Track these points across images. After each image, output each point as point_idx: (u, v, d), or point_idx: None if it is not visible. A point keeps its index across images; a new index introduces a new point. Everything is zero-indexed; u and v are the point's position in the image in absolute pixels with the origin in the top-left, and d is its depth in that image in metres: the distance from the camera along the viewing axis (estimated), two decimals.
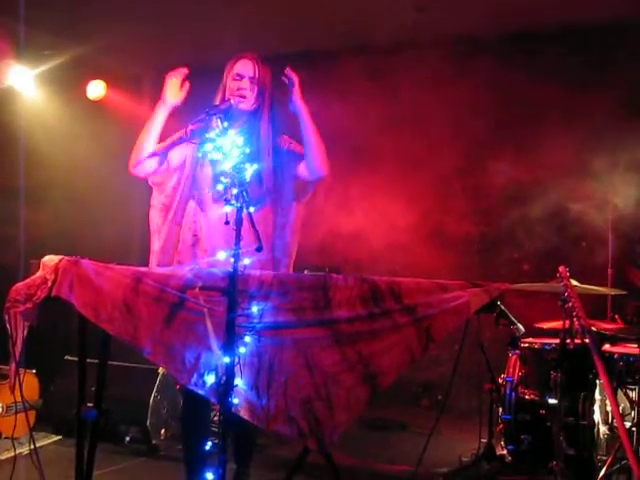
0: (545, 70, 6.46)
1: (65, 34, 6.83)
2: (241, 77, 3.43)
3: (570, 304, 3.53)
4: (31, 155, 7.16)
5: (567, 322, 3.98)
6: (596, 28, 6.32)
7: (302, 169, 3.44)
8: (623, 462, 3.97)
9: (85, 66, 7.45)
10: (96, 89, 7.73)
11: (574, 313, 3.50)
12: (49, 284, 2.82)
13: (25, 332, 2.95)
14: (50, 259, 2.92)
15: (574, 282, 3.83)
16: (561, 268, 3.73)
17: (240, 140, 2.89)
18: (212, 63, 7.44)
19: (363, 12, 6.31)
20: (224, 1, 6.26)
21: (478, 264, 6.83)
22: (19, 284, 2.93)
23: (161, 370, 5.08)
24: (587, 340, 3.90)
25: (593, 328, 3.99)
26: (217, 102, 3.43)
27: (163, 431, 5.12)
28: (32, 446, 3.09)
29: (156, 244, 3.42)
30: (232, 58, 3.52)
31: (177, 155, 3.48)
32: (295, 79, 3.39)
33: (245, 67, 3.44)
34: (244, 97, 3.40)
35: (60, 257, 2.87)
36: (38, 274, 2.93)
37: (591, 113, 6.21)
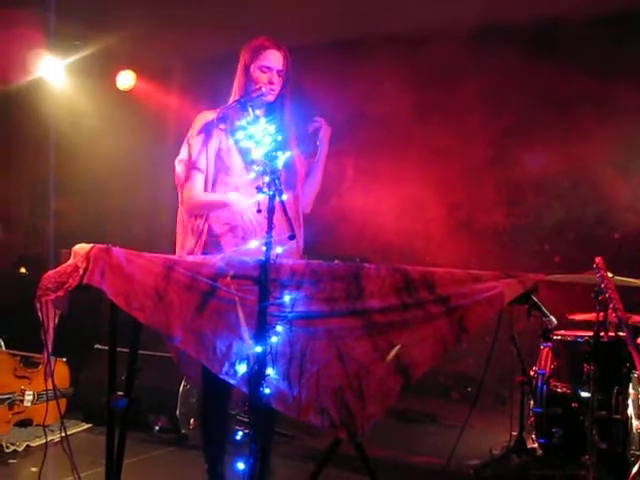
0: (577, 59, 6.36)
1: (95, 24, 6.85)
2: (270, 69, 3.37)
3: (607, 295, 3.47)
4: (60, 146, 7.20)
5: (601, 314, 3.91)
6: (631, 15, 6.20)
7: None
8: None
9: (115, 56, 7.48)
10: (126, 79, 7.77)
11: (611, 305, 3.44)
12: (80, 272, 2.80)
13: (56, 320, 2.96)
14: (81, 247, 2.91)
15: (610, 274, 3.76)
16: (598, 259, 3.66)
17: (272, 128, 2.87)
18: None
19: (390, 1, 6.26)
20: None
21: (508, 256, 6.76)
22: (50, 272, 2.93)
23: None
24: (621, 333, 3.84)
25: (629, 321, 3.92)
26: (238, 87, 3.40)
27: (192, 421, 5.13)
28: (63, 434, 3.10)
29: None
30: (254, 43, 3.42)
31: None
32: (327, 127, 3.46)
33: (275, 59, 3.37)
34: (275, 91, 3.38)
35: (91, 245, 2.86)
36: (69, 262, 2.92)
37: (624, 103, 6.12)
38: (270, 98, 3.37)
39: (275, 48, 3.38)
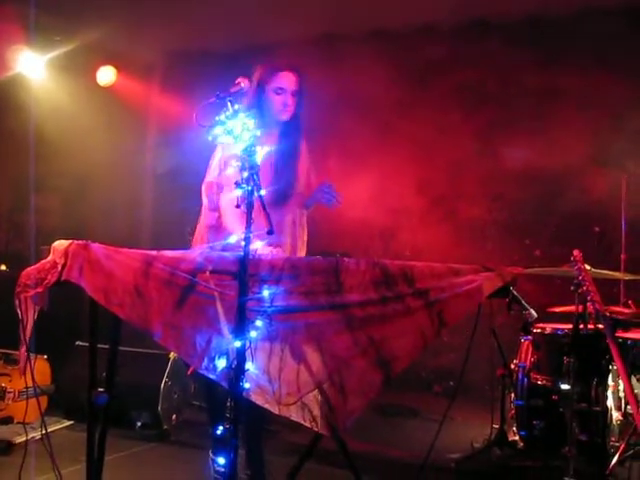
0: (558, 54, 6.40)
1: (75, 19, 6.81)
2: (284, 91, 3.52)
3: (584, 288, 3.50)
4: (41, 142, 7.14)
5: (580, 307, 3.94)
6: (609, 11, 6.24)
7: None
8: (636, 448, 3.94)
9: (95, 52, 7.43)
10: (106, 75, 7.72)
11: (588, 297, 3.47)
12: (59, 268, 2.81)
13: (35, 316, 2.95)
14: (60, 244, 2.91)
15: (587, 267, 3.79)
16: (575, 252, 3.69)
17: (251, 123, 2.86)
18: (222, 49, 7.50)
19: None
20: None
21: (490, 250, 6.80)
22: (29, 268, 2.93)
23: (172, 355, 5.08)
24: (600, 325, 3.87)
25: (607, 313, 3.95)
26: (249, 103, 3.47)
27: (174, 417, 5.12)
28: (44, 431, 3.09)
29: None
30: (269, 64, 3.56)
31: None
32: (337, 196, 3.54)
33: (288, 81, 3.53)
34: (289, 111, 3.54)
35: (70, 241, 2.86)
36: (49, 258, 2.92)
37: (604, 97, 6.16)
38: (285, 117, 3.56)
39: (289, 70, 3.54)
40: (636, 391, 4.22)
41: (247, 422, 3.51)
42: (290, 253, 3.53)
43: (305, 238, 3.70)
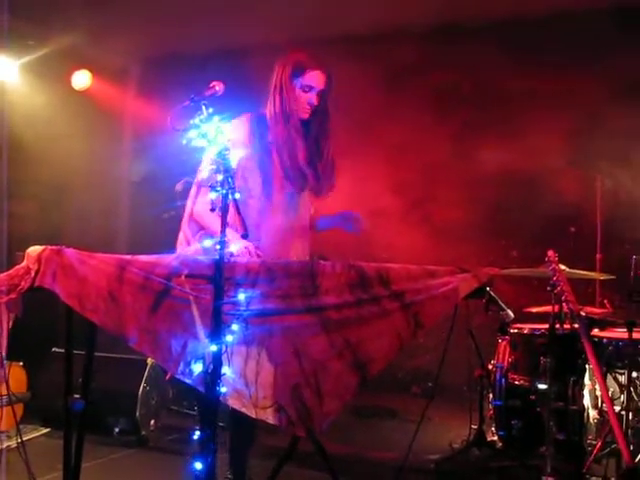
0: (532, 55, 6.44)
1: (49, 24, 6.76)
2: (312, 89, 3.40)
3: (559, 288, 3.52)
4: (15, 147, 7.08)
5: (556, 307, 3.97)
6: (582, 13, 6.30)
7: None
8: (613, 446, 3.97)
9: (70, 56, 7.38)
10: (82, 79, 7.67)
11: (563, 297, 3.49)
12: (32, 274, 2.79)
13: (10, 323, 2.93)
14: (34, 249, 2.89)
15: (563, 267, 3.82)
16: (550, 252, 3.71)
17: (225, 126, 2.86)
18: (197, 52, 7.48)
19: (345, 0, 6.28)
20: None
21: (467, 251, 6.81)
22: (2, 275, 2.90)
23: (150, 361, 5.05)
24: (576, 325, 3.90)
25: (582, 312, 3.98)
26: (279, 102, 3.40)
27: (152, 422, 5.10)
28: (19, 439, 3.06)
29: None
30: (295, 58, 3.44)
31: None
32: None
33: (318, 80, 3.40)
34: (311, 111, 3.43)
35: (43, 247, 2.84)
36: (22, 264, 2.90)
37: (578, 98, 6.21)
38: (305, 116, 3.43)
39: (319, 68, 3.40)
40: (612, 389, 4.27)
41: (238, 428, 3.50)
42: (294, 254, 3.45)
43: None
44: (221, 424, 3.42)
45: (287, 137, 3.37)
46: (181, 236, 3.52)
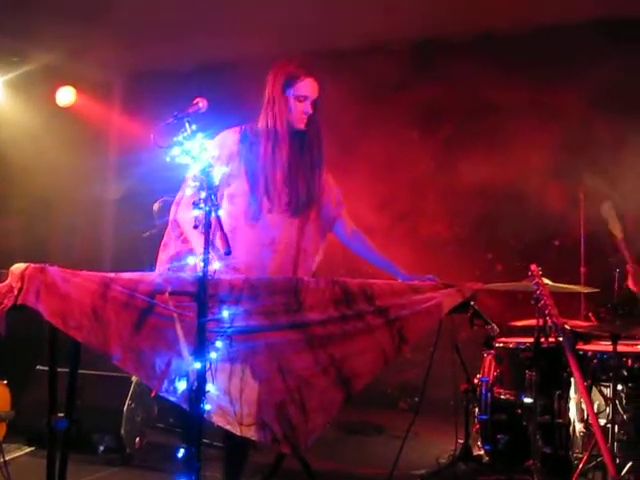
0: (515, 70, 6.49)
1: (33, 40, 6.75)
2: (306, 99, 3.32)
3: (542, 302, 3.54)
4: (0, 163, 7.07)
5: (541, 321, 3.98)
6: (563, 28, 6.36)
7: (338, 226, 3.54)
8: (599, 459, 3.98)
9: (54, 72, 7.38)
10: (66, 95, 7.67)
11: (546, 311, 3.51)
12: (15, 292, 2.77)
13: None
14: (17, 267, 2.87)
15: (546, 280, 3.84)
16: (533, 266, 3.73)
17: (209, 144, 2.85)
18: (180, 68, 7.50)
19: (329, 16, 6.32)
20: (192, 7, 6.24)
21: (452, 266, 6.83)
22: None
23: (134, 378, 5.01)
24: (561, 338, 3.91)
25: (566, 326, 4.00)
26: (278, 113, 3.33)
27: (137, 440, 5.06)
28: (2, 459, 3.04)
29: None
30: (287, 69, 3.36)
31: None
32: None
33: (312, 89, 3.33)
34: (307, 120, 3.36)
35: (27, 265, 2.83)
36: (6, 282, 2.88)
37: (562, 112, 6.26)
38: (301, 126, 3.35)
39: (312, 77, 3.33)
40: (597, 402, 4.28)
41: (232, 447, 3.46)
42: (286, 271, 3.28)
43: (312, 265, 3.42)
44: (207, 441, 3.42)
45: (271, 156, 3.33)
46: (166, 238, 3.45)
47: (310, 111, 3.33)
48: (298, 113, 3.33)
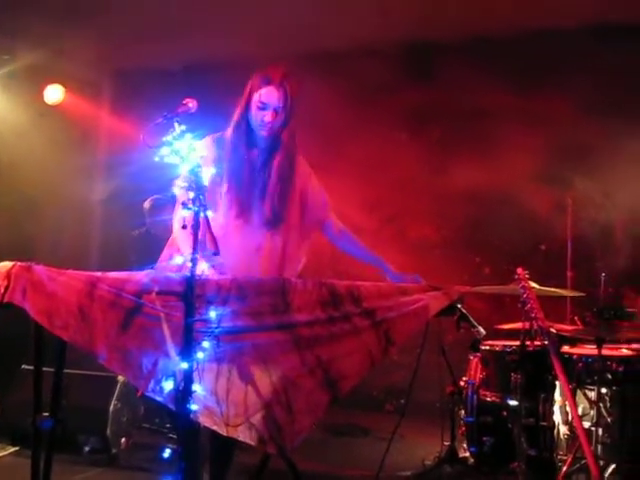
0: (504, 74, 6.52)
1: (22, 38, 6.73)
2: (265, 106, 3.31)
3: (528, 306, 3.56)
4: None
5: (527, 324, 4.00)
6: (550, 32, 6.39)
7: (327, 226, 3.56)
8: (582, 462, 4.01)
9: (43, 70, 7.36)
10: (54, 94, 7.64)
11: (532, 315, 3.53)
12: (1, 290, 2.77)
13: None
14: (3, 265, 2.87)
15: (533, 284, 3.86)
16: (519, 270, 3.75)
17: (197, 144, 2.85)
18: (170, 68, 7.49)
19: (321, 18, 6.33)
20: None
21: (440, 268, 6.85)
22: None
23: (121, 378, 5.00)
24: (546, 342, 3.94)
25: (552, 329, 4.02)
26: (239, 112, 3.37)
27: (123, 440, 5.04)
28: None
29: None
30: (261, 74, 3.34)
31: None
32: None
33: (272, 98, 3.29)
34: (269, 129, 3.34)
35: (13, 263, 2.82)
36: None
37: (550, 117, 6.29)
38: (264, 133, 3.35)
39: (274, 85, 3.29)
40: (582, 405, 4.30)
41: (217, 447, 3.46)
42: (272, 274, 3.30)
43: (297, 267, 3.45)
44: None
45: (236, 167, 3.33)
46: (165, 252, 3.47)
47: (269, 119, 3.31)
48: (258, 121, 3.33)
